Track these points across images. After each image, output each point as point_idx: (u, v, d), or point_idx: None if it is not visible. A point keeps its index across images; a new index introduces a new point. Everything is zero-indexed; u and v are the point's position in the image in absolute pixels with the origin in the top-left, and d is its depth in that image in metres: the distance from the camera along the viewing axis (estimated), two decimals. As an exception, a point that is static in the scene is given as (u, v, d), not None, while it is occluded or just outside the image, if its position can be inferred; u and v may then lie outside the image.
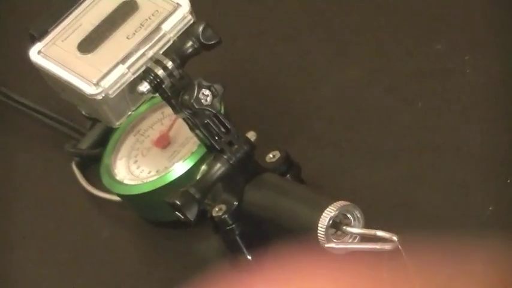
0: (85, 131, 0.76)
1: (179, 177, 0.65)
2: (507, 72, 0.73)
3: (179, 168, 0.66)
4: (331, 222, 0.57)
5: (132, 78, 0.60)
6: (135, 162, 0.69)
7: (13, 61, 0.79)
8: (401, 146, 0.71)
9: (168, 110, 0.68)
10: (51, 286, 0.73)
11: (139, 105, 0.64)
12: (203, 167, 0.65)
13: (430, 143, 0.70)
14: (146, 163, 0.69)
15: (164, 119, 0.72)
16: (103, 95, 0.59)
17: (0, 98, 0.84)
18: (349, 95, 0.75)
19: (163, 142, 0.69)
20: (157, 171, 0.67)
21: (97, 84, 0.59)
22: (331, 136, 0.72)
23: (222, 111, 0.64)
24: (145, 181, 0.67)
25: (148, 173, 0.68)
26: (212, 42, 0.61)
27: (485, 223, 0.65)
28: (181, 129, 0.68)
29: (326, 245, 0.57)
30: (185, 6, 0.62)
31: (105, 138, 0.73)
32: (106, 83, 0.59)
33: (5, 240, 0.77)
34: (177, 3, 0.62)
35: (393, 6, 0.82)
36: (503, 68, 0.74)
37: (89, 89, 0.59)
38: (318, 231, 0.56)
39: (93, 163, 0.73)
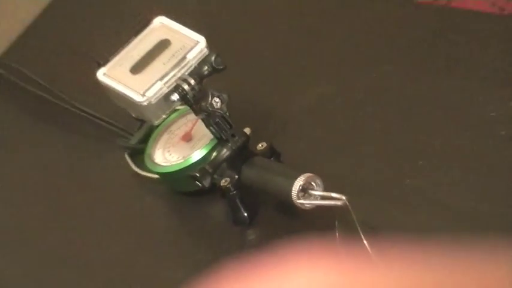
0: (132, 132, 0.86)
1: (197, 160, 0.77)
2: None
3: (197, 154, 0.77)
4: (300, 187, 0.69)
5: (167, 91, 0.72)
6: (168, 151, 0.80)
7: (81, 81, 0.87)
8: (357, 141, 0.82)
9: (191, 116, 0.79)
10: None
11: (172, 111, 0.75)
12: (214, 153, 0.76)
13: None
14: (175, 151, 0.80)
15: (187, 122, 0.81)
16: (147, 102, 0.72)
17: (72, 109, 0.93)
18: (320, 104, 0.86)
19: (187, 137, 0.80)
20: (183, 157, 0.78)
21: (143, 94, 0.72)
22: (305, 133, 0.84)
23: (228, 113, 0.74)
24: (174, 163, 0.78)
25: (177, 158, 0.79)
26: (221, 67, 0.73)
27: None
28: (199, 129, 0.79)
29: (297, 201, 0.69)
30: (202, 42, 0.73)
31: (147, 137, 0.83)
32: (149, 93, 0.72)
33: (76, 210, 0.87)
34: (197, 41, 0.74)
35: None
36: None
37: (138, 98, 0.72)
38: (292, 193, 0.69)
39: (139, 154, 0.83)
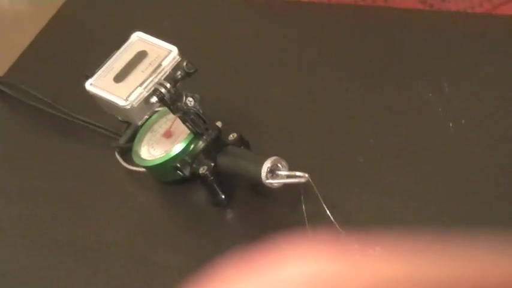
0: (121, 133, 0.92)
1: (177, 153, 0.82)
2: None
3: (177, 148, 0.82)
4: (268, 169, 0.75)
5: (146, 95, 0.77)
6: (152, 147, 0.86)
7: (74, 93, 0.91)
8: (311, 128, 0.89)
9: (170, 116, 0.85)
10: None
11: (152, 112, 0.79)
12: (192, 145, 0.81)
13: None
14: (158, 147, 0.86)
15: (167, 121, 0.87)
16: (130, 106, 0.76)
17: (69, 118, 0.99)
18: (279, 98, 0.94)
19: (168, 134, 0.86)
20: (165, 151, 0.84)
21: (126, 99, 0.76)
22: (269, 123, 0.91)
23: (201, 111, 0.79)
24: (158, 157, 0.84)
25: (160, 152, 0.84)
26: (192, 71, 0.78)
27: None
28: (178, 127, 0.84)
29: (266, 182, 0.75)
30: (175, 51, 0.79)
31: (134, 136, 0.89)
32: (131, 98, 0.76)
33: (78, 202, 0.92)
34: (170, 50, 0.79)
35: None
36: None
37: (122, 102, 0.76)
38: (261, 175, 0.75)
39: (128, 151, 0.89)
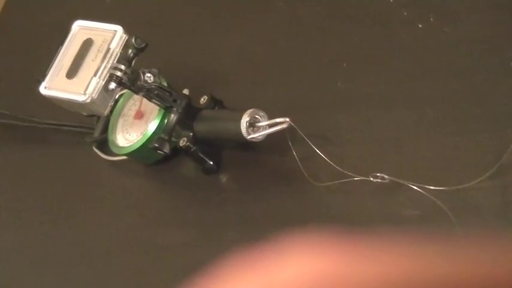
0: (94, 126, 0.87)
1: (153, 131, 0.78)
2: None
3: (152, 126, 0.78)
4: (247, 124, 0.70)
5: (103, 83, 0.71)
6: (127, 132, 0.82)
7: (32, 98, 0.80)
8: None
9: (136, 96, 0.80)
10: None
11: (115, 98, 0.73)
12: (165, 120, 0.77)
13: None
14: (133, 130, 0.81)
15: (136, 102, 0.83)
16: (90, 99, 0.71)
17: (33, 125, 0.94)
18: (242, 51, 0.88)
19: (139, 115, 0.81)
20: (141, 133, 0.79)
21: (84, 93, 0.71)
22: (237, 77, 0.86)
23: (165, 83, 0.76)
24: (135, 141, 0.79)
25: (136, 135, 0.80)
26: (143, 45, 0.72)
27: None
28: (147, 105, 0.80)
29: (248, 138, 0.71)
30: (120, 30, 0.73)
31: (106, 126, 0.84)
32: (89, 91, 0.71)
33: (65, 208, 0.88)
34: (115, 30, 0.73)
35: None
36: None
37: (80, 98, 0.71)
38: (242, 132, 0.71)
39: (105, 142, 0.84)
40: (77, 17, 0.78)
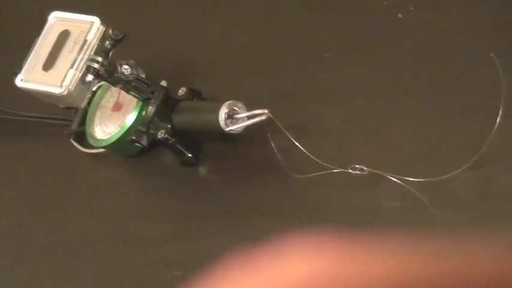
0: (71, 118, 0.86)
1: (131, 124, 0.76)
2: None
3: (130, 118, 0.77)
4: (226, 115, 0.70)
5: (80, 75, 0.70)
6: (105, 125, 0.80)
7: (8, 90, 0.78)
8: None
9: (114, 88, 0.77)
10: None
11: (92, 90, 0.71)
12: (143, 112, 0.76)
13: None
14: (111, 123, 0.80)
15: (113, 94, 0.81)
16: (66, 91, 0.69)
17: (8, 117, 0.92)
18: (221, 41, 0.87)
19: (117, 107, 0.80)
20: (119, 125, 0.78)
21: (61, 86, 0.69)
22: (215, 68, 0.84)
23: (143, 75, 0.75)
24: (113, 134, 0.78)
25: (114, 128, 0.78)
26: (121, 37, 0.71)
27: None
28: (125, 97, 0.78)
29: (227, 129, 0.70)
30: (97, 21, 0.72)
31: (84, 118, 0.83)
32: (66, 83, 0.69)
33: (44, 202, 0.87)
34: (92, 21, 0.72)
35: None
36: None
37: (57, 90, 0.69)
38: (220, 124, 0.70)
39: (83, 135, 0.83)
40: (57, 8, 0.76)
